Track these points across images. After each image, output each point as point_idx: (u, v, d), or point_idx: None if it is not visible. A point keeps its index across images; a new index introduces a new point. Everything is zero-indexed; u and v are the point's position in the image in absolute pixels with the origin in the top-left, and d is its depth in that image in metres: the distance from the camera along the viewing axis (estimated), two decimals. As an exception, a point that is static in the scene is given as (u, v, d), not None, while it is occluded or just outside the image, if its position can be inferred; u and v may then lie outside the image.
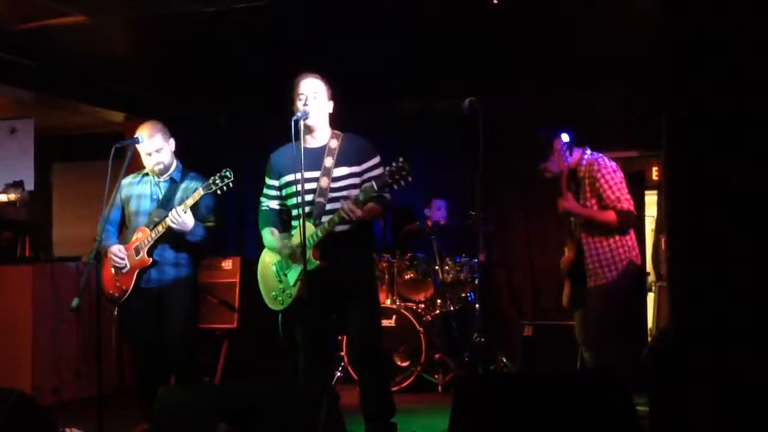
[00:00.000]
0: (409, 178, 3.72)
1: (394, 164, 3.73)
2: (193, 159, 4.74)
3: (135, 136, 4.47)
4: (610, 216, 4.23)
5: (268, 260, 4.17)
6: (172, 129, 4.58)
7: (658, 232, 6.39)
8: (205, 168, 4.76)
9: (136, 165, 4.62)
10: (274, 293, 4.10)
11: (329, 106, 4.08)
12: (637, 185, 6.67)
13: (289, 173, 4.03)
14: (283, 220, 4.20)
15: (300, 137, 3.86)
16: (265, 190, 4.22)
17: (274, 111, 6.95)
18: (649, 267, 6.70)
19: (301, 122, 3.88)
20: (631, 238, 4.35)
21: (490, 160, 6.64)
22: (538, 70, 6.08)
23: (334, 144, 4.02)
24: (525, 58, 5.85)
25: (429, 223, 6.30)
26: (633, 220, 4.32)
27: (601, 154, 4.40)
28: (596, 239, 4.29)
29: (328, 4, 4.75)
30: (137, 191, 4.55)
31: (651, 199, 7.00)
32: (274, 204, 4.19)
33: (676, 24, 2.31)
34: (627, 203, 4.26)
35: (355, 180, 3.99)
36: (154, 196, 4.51)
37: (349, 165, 3.99)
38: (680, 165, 2.35)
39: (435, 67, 5.99)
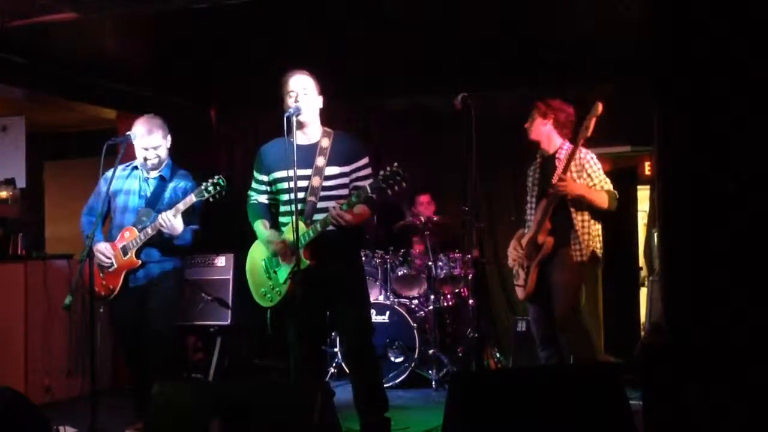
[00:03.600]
0: (404, 184, 3.73)
1: (388, 168, 3.74)
2: (184, 155, 4.72)
3: (131, 130, 4.43)
4: (603, 196, 4.45)
5: (257, 255, 4.18)
6: (163, 125, 4.56)
7: (650, 227, 6.41)
8: (195, 165, 4.75)
9: (130, 156, 4.59)
10: (263, 290, 4.11)
11: (319, 102, 4.08)
12: (629, 180, 6.69)
13: (280, 170, 4.04)
14: (272, 213, 4.21)
15: (293, 134, 3.85)
16: (254, 185, 4.23)
17: (265, 107, 6.96)
18: (641, 262, 6.72)
19: (294, 119, 3.88)
20: (601, 229, 4.56)
21: (482, 156, 6.67)
22: (531, 67, 6.08)
23: (326, 143, 4.03)
24: (518, 56, 5.85)
25: (422, 218, 6.30)
26: (616, 202, 4.51)
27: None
28: (586, 218, 4.47)
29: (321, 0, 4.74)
30: (126, 186, 4.52)
31: (643, 194, 7.01)
32: (263, 198, 4.20)
33: (674, 23, 2.31)
34: (611, 185, 4.50)
35: (345, 180, 4.02)
36: (143, 193, 4.49)
37: (340, 165, 4.00)
38: (673, 161, 2.36)
39: (427, 64, 5.98)
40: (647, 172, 7.09)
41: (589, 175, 4.47)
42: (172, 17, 4.88)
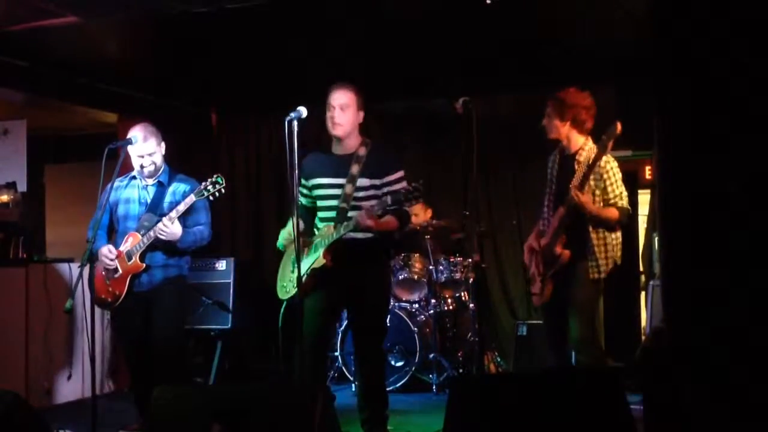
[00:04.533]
0: (420, 200, 4.05)
1: (413, 185, 3.92)
2: (185, 159, 4.73)
3: (128, 137, 4.46)
4: (614, 213, 4.30)
5: (288, 250, 4.32)
6: (164, 129, 4.57)
7: (650, 230, 6.39)
8: (196, 168, 4.76)
9: (129, 166, 4.61)
10: (284, 283, 4.26)
11: (360, 116, 4.22)
12: (630, 184, 6.67)
13: (318, 177, 4.21)
14: (311, 216, 4.36)
15: (293, 138, 3.88)
16: (301, 188, 4.37)
17: (266, 111, 6.99)
18: (641, 266, 6.71)
19: (294, 122, 3.90)
20: (620, 236, 4.41)
21: (482, 160, 6.66)
22: (531, 69, 6.08)
23: (362, 152, 4.18)
24: (518, 58, 5.85)
25: (422, 223, 6.30)
26: (626, 218, 4.39)
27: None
28: (602, 233, 4.34)
29: (321, 3, 4.75)
30: (125, 195, 4.55)
31: (644, 198, 7.01)
32: (305, 201, 4.36)
33: (674, 23, 2.31)
34: (626, 201, 4.36)
35: (376, 192, 4.14)
36: (143, 200, 4.52)
37: (371, 177, 4.14)
38: (673, 163, 2.36)
39: (428, 67, 5.99)
40: (648, 177, 7.09)
41: (606, 188, 4.31)
42: (173, 21, 4.89)
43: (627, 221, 4.41)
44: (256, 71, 6.02)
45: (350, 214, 4.08)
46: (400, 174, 4.20)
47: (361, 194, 4.12)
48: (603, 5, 4.80)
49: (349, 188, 4.12)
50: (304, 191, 4.33)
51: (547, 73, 6.14)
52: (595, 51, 5.58)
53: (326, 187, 4.18)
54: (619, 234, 4.39)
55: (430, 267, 6.26)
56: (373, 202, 4.05)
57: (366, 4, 4.78)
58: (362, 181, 4.12)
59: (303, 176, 4.28)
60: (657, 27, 2.37)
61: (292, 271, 4.13)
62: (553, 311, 4.47)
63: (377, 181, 4.13)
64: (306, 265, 4.07)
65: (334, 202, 4.13)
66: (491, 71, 6.05)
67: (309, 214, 4.35)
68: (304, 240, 4.15)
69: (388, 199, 3.95)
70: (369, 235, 4.09)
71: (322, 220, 4.23)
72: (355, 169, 4.13)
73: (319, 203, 4.25)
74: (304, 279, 4.00)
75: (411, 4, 4.80)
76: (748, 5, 2.22)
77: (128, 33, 5.35)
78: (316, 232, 4.23)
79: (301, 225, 4.22)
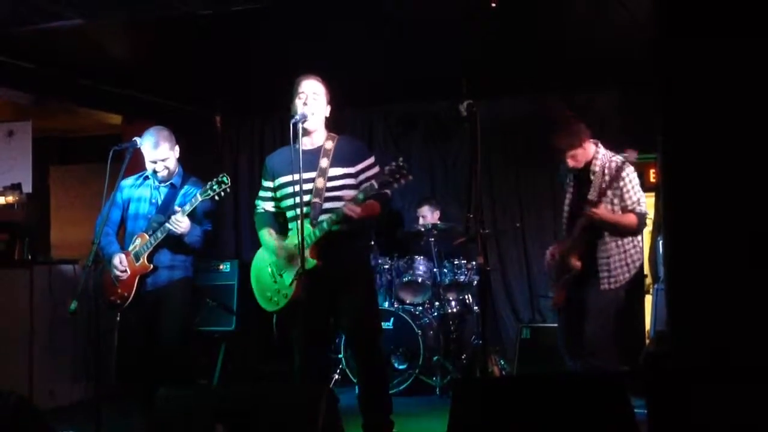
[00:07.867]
0: (410, 177, 3.82)
1: (393, 164, 3.81)
2: (189, 161, 4.73)
3: (133, 139, 4.46)
4: (632, 219, 4.34)
5: (263, 261, 4.19)
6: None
7: (655, 234, 6.39)
8: (201, 170, 4.76)
9: (133, 168, 4.61)
10: (269, 294, 4.12)
11: (327, 110, 4.11)
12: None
13: (284, 174, 4.07)
14: (279, 222, 4.22)
15: (298, 140, 3.88)
16: (261, 192, 4.27)
17: (270, 113, 7.00)
18: (646, 269, 6.70)
19: (300, 125, 3.90)
20: (641, 240, 4.45)
21: (486, 163, 6.67)
22: (536, 71, 6.08)
23: (330, 145, 4.07)
24: (522, 60, 5.85)
25: (426, 225, 6.30)
26: (645, 223, 4.42)
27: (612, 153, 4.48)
28: (622, 241, 4.37)
29: (325, 4, 4.76)
30: (137, 194, 4.55)
31: (649, 201, 6.99)
32: (269, 206, 4.24)
33: (677, 25, 2.31)
34: (644, 206, 4.38)
35: (351, 180, 4.04)
36: (153, 201, 4.52)
37: (344, 166, 4.04)
38: (676, 166, 2.36)
39: (432, 69, 5.99)
40: (652, 180, 7.08)
41: (623, 195, 4.34)
42: (178, 24, 4.90)
43: (645, 225, 4.42)
44: (259, 73, 6.03)
45: (326, 206, 3.95)
46: (371, 160, 4.09)
47: (334, 184, 3.99)
48: (606, 8, 4.80)
49: (320, 182, 3.99)
50: (269, 194, 4.20)
51: (551, 76, 6.14)
52: (598, 54, 5.58)
53: (295, 184, 3.91)
54: (638, 239, 4.41)
55: (434, 269, 6.25)
56: (350, 192, 3.94)
57: (370, 5, 4.78)
58: (335, 171, 4.00)
59: (267, 176, 4.19)
60: (660, 29, 2.37)
61: (275, 281, 4.07)
62: (567, 317, 4.49)
63: (351, 169, 4.03)
64: (293, 271, 3.97)
65: (305, 198, 3.89)
66: (496, 74, 6.05)
67: (276, 219, 4.22)
68: (288, 253, 4.01)
69: (375, 183, 3.83)
70: (344, 227, 3.94)
71: (293, 219, 4.06)
72: (324, 162, 4.01)
73: (286, 202, 4.10)
74: (293, 285, 3.96)
75: (415, 6, 4.80)
76: (749, 6, 2.23)
77: (133, 35, 5.36)
78: (290, 235, 4.08)
79: (273, 234, 4.16)
